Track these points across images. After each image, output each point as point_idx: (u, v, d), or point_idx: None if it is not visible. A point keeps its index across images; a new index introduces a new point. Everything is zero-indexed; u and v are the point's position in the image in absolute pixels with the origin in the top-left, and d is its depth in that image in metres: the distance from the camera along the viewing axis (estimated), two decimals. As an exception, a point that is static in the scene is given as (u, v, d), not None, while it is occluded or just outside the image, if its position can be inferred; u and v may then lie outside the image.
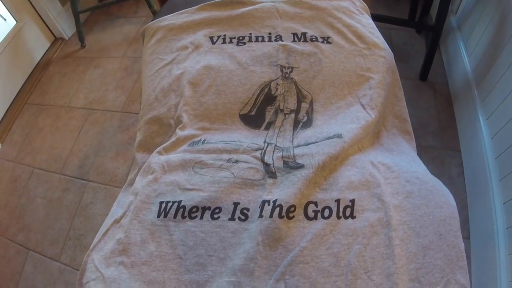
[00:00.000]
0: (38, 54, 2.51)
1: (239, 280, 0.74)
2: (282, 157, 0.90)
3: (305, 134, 0.97)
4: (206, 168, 0.91)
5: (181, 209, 0.84)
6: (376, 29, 1.21)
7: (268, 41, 1.18)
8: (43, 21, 2.51)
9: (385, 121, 1.04)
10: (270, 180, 0.87)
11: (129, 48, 2.44)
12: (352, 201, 0.81)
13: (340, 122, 0.97)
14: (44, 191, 1.88)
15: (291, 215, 0.79)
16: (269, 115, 1.03)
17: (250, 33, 1.22)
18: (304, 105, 1.04)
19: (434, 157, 1.67)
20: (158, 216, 0.85)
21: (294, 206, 0.80)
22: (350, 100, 1.03)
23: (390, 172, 0.86)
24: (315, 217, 0.79)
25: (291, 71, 1.10)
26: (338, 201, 0.81)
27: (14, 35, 2.29)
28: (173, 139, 1.01)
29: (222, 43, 1.21)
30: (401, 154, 0.97)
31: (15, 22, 2.32)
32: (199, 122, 1.04)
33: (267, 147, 0.95)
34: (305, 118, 1.01)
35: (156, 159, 0.97)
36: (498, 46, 1.41)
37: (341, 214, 0.79)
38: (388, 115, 1.06)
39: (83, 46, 2.52)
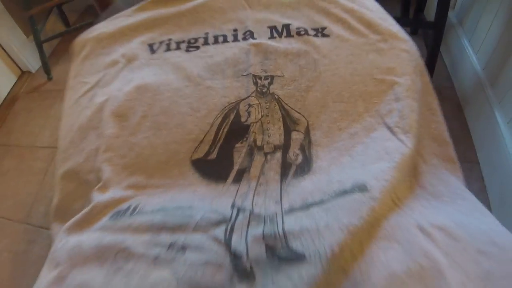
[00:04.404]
0: (4, 90, 2.32)
1: None
2: (264, 237, 0.54)
3: (301, 189, 0.62)
4: (133, 261, 0.56)
5: None
6: (387, 14, 0.90)
7: (232, 41, 0.86)
8: (7, 54, 2.33)
9: (421, 147, 0.69)
10: (242, 287, 0.50)
11: (99, 76, 2.24)
12: None
13: (360, 162, 0.63)
14: (10, 244, 1.67)
15: None
16: (239, 158, 0.68)
17: (207, 33, 0.90)
18: (296, 136, 0.69)
19: (448, 172, 1.45)
20: None
21: None
22: (369, 122, 0.69)
23: (451, 240, 0.52)
24: None
25: (270, 83, 0.75)
26: None
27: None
28: (88, 207, 0.67)
29: (166, 50, 0.89)
30: (456, 201, 0.63)
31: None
32: (129, 177, 0.70)
33: (236, 217, 0.58)
34: (300, 158, 0.67)
35: (62, 243, 0.64)
36: (511, 38, 1.22)
37: None
38: (424, 138, 0.71)
39: (49, 78, 2.33)
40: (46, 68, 2.30)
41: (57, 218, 0.76)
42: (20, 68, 2.44)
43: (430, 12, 1.80)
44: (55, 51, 2.60)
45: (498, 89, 1.35)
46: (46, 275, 0.63)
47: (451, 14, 1.79)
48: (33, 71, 2.45)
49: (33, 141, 2.03)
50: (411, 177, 0.64)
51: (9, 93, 2.34)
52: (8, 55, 2.34)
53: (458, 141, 1.52)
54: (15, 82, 2.40)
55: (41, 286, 0.62)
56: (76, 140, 0.80)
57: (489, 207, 1.34)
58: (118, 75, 0.87)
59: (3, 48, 2.29)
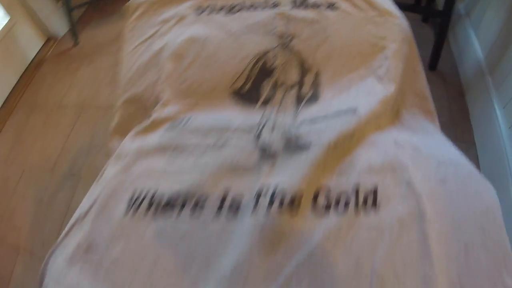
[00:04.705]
0: (30, 54, 2.45)
1: None
2: (282, 136, 0.76)
3: (311, 111, 0.83)
4: (187, 152, 0.77)
5: (155, 203, 0.70)
6: None
7: (263, 9, 1.05)
8: (35, 20, 2.44)
9: (405, 98, 0.89)
10: (268, 164, 0.72)
11: (124, 44, 2.36)
12: (375, 188, 0.65)
13: (353, 95, 0.84)
14: (34, 192, 1.81)
15: (295, 207, 0.64)
16: (266, 90, 0.89)
17: (244, 1, 1.09)
18: (309, 78, 0.90)
19: (445, 149, 1.57)
20: (128, 210, 0.71)
21: (299, 196, 0.65)
22: (363, 72, 0.89)
23: (418, 152, 0.71)
24: (327, 210, 0.64)
25: (290, 40, 0.96)
26: (356, 188, 0.66)
27: (5, 35, 2.22)
28: (150, 120, 0.88)
29: (210, 13, 1.08)
30: (428, 135, 0.82)
31: (6, 22, 2.25)
32: (182, 100, 0.91)
33: (263, 126, 0.80)
34: (310, 93, 0.87)
35: (128, 143, 0.84)
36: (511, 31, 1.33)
37: (360, 204, 0.64)
38: (407, 92, 0.91)
39: (76, 43, 2.45)
40: (74, 33, 2.41)
41: (115, 134, 0.95)
42: (46, 34, 2.56)
43: (441, 2, 1.90)
44: (82, 17, 2.70)
45: (496, 77, 1.45)
46: (113, 167, 0.81)
47: (460, 6, 1.88)
48: (60, 36, 2.57)
49: (60, 100, 2.16)
50: (394, 116, 0.84)
51: (35, 56, 2.47)
52: (36, 20, 2.45)
53: (458, 123, 1.65)
54: (42, 47, 2.52)
55: (109, 174, 0.79)
56: (137, 75, 0.99)
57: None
58: (171, 29, 1.06)
59: (32, 13, 2.40)
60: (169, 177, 0.74)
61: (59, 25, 2.54)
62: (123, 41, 1.15)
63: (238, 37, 0.98)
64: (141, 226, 0.68)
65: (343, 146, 0.71)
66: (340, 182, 0.67)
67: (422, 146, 0.72)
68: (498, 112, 1.39)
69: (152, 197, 0.71)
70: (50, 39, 2.56)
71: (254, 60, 0.94)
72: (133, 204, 0.71)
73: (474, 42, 1.68)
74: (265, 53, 0.94)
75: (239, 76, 0.93)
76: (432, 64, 1.82)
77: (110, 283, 0.64)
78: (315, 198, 0.65)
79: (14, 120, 2.16)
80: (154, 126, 0.86)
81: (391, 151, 0.71)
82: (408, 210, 0.62)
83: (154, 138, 0.82)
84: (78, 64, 2.33)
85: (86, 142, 1.91)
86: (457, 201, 0.64)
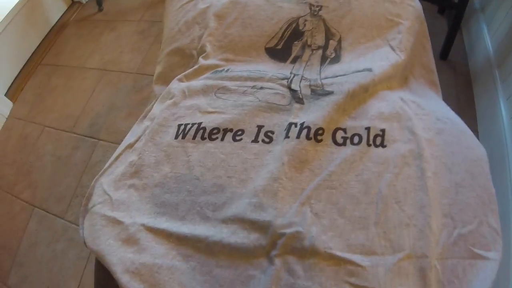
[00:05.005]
0: (54, 17, 2.47)
1: (260, 201, 0.68)
2: (310, 85, 0.87)
3: (333, 69, 0.93)
4: (229, 93, 0.88)
5: (201, 131, 0.81)
6: None
7: None
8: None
9: (413, 69, 1.01)
10: (297, 105, 0.83)
11: (147, 12, 2.37)
12: (383, 130, 0.77)
13: (370, 59, 0.94)
14: (53, 149, 1.84)
15: (319, 137, 0.76)
16: (296, 49, 1.00)
17: None
18: (332, 43, 1.01)
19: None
20: (176, 137, 0.81)
21: (322, 129, 0.76)
22: (379, 42, 1.00)
23: (420, 109, 0.82)
24: (344, 143, 0.75)
25: (319, 9, 1.06)
26: (368, 129, 0.77)
27: (31, -3, 2.24)
28: (195, 67, 0.99)
29: None
30: (430, 100, 0.93)
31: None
32: (223, 53, 1.02)
33: (293, 77, 0.91)
34: (333, 55, 0.98)
35: (176, 85, 0.94)
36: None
37: (371, 142, 0.75)
38: (415, 64, 1.02)
39: (100, 9, 2.48)
40: (98, -1, 2.43)
41: (158, 81, 1.08)
42: (71, -2, 2.58)
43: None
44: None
45: (503, 70, 1.51)
46: (162, 104, 0.90)
47: (476, 0, 1.93)
48: (84, 1, 2.59)
49: (82, 62, 2.19)
50: (402, 81, 0.95)
51: (59, 20, 2.49)
52: (61, -16, 2.47)
53: (464, 112, 1.67)
54: (65, 11, 2.54)
55: (158, 109, 0.89)
56: (183, 30, 1.11)
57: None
58: None
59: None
60: (211, 113, 0.84)
61: (83, -9, 2.56)
62: (167, 1, 1.25)
63: (275, 3, 1.09)
64: (188, 148, 0.79)
65: (359, 96, 0.83)
66: (355, 124, 0.78)
67: (424, 105, 0.84)
68: (502, 103, 1.46)
69: (198, 126, 0.81)
70: (74, 4, 2.59)
71: (287, 24, 1.05)
72: (181, 132, 0.82)
73: (485, 36, 1.73)
74: (297, 18, 1.05)
75: (274, 36, 1.03)
76: (444, 53, 1.86)
77: (155, 204, 0.73)
78: (334, 133, 0.77)
79: (35, 80, 2.19)
80: (200, 71, 0.97)
81: (398, 105, 0.82)
82: (409, 150, 0.73)
83: (199, 81, 0.93)
84: (101, 29, 2.35)
85: (107, 104, 1.93)
86: (451, 149, 0.75)
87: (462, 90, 1.74)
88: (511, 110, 1.39)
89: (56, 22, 2.47)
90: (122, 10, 2.46)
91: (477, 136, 1.56)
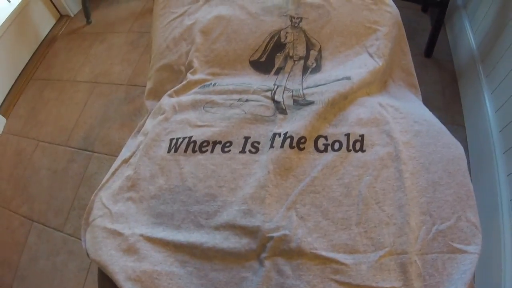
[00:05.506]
0: (43, 31, 2.49)
1: (249, 208, 0.73)
2: (292, 96, 0.93)
3: (314, 78, 0.98)
4: (216, 107, 0.93)
5: (192, 144, 0.85)
6: None
7: None
8: (49, -3, 2.48)
9: (392, 73, 1.06)
10: (281, 116, 0.88)
11: (135, 23, 2.40)
12: (362, 136, 0.82)
13: (349, 67, 0.99)
14: (49, 163, 1.86)
15: (301, 146, 0.81)
16: (278, 61, 1.04)
17: None
18: (313, 53, 1.06)
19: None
20: (169, 151, 0.86)
21: (304, 137, 0.82)
22: (357, 49, 1.05)
23: (398, 113, 0.88)
24: (325, 150, 0.81)
25: (300, 21, 1.11)
26: (348, 135, 0.82)
27: (19, 13, 2.26)
28: (184, 82, 1.03)
29: None
30: (409, 102, 0.99)
31: (20, 0, 2.29)
32: (210, 67, 1.06)
33: (277, 88, 0.96)
34: (314, 64, 1.03)
35: (166, 100, 0.99)
36: (502, 23, 1.44)
37: (351, 147, 0.80)
38: (394, 67, 1.07)
39: (88, 22, 2.50)
40: (86, 12, 2.45)
41: (149, 97, 1.11)
42: (59, 12, 2.60)
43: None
44: (93, -2, 2.74)
45: (487, 65, 1.55)
46: (154, 119, 0.95)
47: None
48: (72, 15, 2.61)
49: (73, 76, 2.21)
50: (381, 86, 1.01)
51: (48, 34, 2.51)
52: (50, -1, 2.49)
53: (450, 107, 1.72)
54: (54, 25, 2.56)
55: (150, 124, 0.94)
56: (171, 46, 1.15)
57: (469, 164, 1.52)
58: (200, 8, 1.21)
59: (45, -9, 2.44)
60: (201, 127, 0.89)
61: (71, 4, 2.59)
62: (154, 18, 1.29)
63: (257, 17, 1.14)
64: (180, 161, 0.83)
65: (339, 104, 0.88)
66: (336, 131, 0.84)
67: (402, 108, 0.89)
68: (486, 97, 1.50)
69: (189, 140, 0.86)
70: (62, 17, 2.61)
71: (270, 36, 1.09)
72: (174, 145, 0.86)
73: (468, 33, 1.78)
74: (279, 31, 1.10)
75: (257, 49, 1.08)
76: (428, 51, 1.90)
77: (152, 215, 0.78)
78: (316, 141, 0.83)
79: (28, 95, 2.21)
80: (189, 86, 1.02)
81: (376, 110, 0.87)
82: (388, 153, 0.79)
83: (188, 96, 0.98)
84: (90, 42, 2.38)
85: (100, 116, 1.96)
86: (428, 150, 0.79)
87: (447, 86, 1.79)
88: (496, 104, 1.43)
89: (46, 36, 2.49)
90: (110, 22, 2.49)
91: (464, 131, 1.65)
